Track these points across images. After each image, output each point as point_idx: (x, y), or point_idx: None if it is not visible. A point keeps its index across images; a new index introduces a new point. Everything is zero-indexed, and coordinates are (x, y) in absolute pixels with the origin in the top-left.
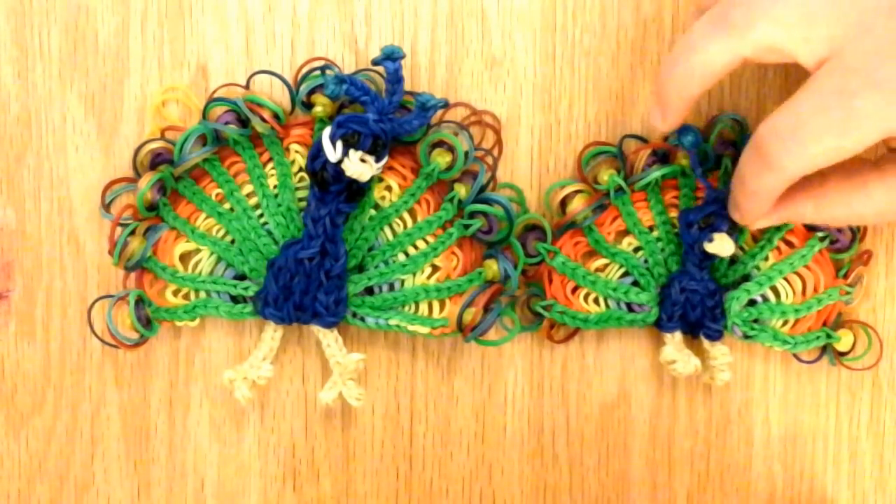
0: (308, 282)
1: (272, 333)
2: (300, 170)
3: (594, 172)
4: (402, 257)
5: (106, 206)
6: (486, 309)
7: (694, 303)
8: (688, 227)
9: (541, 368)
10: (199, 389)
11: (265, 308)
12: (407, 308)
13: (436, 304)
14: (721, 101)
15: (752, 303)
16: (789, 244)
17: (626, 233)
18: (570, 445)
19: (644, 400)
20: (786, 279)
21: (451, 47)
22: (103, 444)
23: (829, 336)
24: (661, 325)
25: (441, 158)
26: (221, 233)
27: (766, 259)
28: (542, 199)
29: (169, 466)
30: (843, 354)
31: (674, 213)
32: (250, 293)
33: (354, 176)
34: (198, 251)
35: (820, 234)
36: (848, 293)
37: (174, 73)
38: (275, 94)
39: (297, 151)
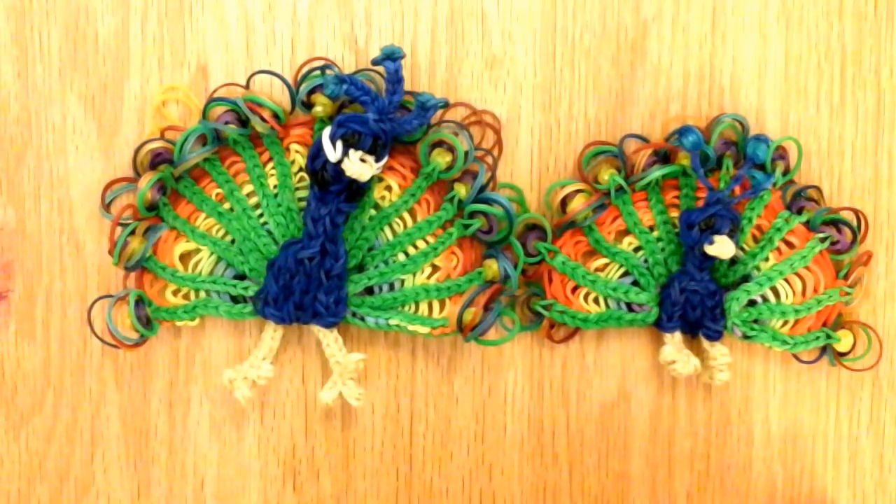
0: (308, 282)
1: (272, 333)
2: (300, 170)
3: (594, 172)
4: (402, 257)
5: (106, 206)
6: (486, 309)
7: (694, 303)
8: (688, 228)
9: (541, 368)
10: (199, 389)
11: (265, 308)
12: (407, 308)
13: (436, 304)
14: (721, 102)
15: (752, 303)
16: (790, 245)
17: (626, 232)
18: (570, 445)
19: (644, 400)
20: (786, 280)
21: (451, 47)
22: (103, 444)
23: (828, 336)
24: (661, 325)
25: (441, 158)
26: (221, 233)
27: (767, 260)
28: (542, 199)
29: (169, 466)
30: (842, 355)
31: (674, 213)
32: (250, 293)
33: (354, 176)
34: (198, 251)
35: (820, 235)
36: (848, 294)
37: (174, 73)
38: (275, 94)
39: (297, 151)
